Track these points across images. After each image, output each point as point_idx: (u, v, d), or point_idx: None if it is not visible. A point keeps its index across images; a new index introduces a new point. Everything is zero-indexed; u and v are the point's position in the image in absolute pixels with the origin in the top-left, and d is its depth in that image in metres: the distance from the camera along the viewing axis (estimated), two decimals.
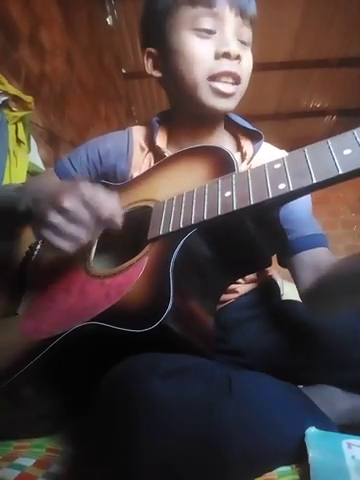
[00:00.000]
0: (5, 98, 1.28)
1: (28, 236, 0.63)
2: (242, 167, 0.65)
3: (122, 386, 0.36)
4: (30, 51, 1.63)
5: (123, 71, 3.31)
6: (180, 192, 0.49)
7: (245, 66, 0.62)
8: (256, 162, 0.65)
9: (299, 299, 0.63)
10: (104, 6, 2.68)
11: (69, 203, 0.44)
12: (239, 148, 0.69)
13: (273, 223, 0.49)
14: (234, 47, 0.59)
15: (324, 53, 3.04)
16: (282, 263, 0.65)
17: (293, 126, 4.00)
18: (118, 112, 3.24)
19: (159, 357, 0.38)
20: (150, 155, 0.70)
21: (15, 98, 1.32)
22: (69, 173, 0.69)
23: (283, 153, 0.67)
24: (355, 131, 0.38)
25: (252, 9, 0.62)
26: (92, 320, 0.41)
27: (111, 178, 0.68)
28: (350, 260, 0.52)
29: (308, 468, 0.31)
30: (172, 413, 0.33)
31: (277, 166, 0.42)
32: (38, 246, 0.60)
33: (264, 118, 3.67)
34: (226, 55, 0.59)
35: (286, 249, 0.62)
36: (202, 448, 0.32)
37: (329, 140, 0.39)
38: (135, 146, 0.70)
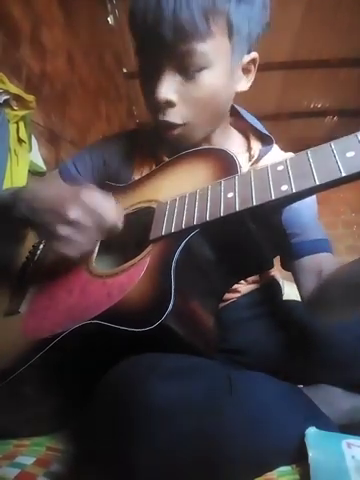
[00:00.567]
0: (6, 97, 1.28)
1: (31, 236, 0.64)
2: (247, 169, 0.64)
3: (122, 386, 0.36)
4: (31, 50, 1.63)
5: (124, 71, 3.30)
6: (183, 193, 0.49)
7: (188, 102, 0.56)
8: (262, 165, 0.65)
9: (299, 299, 0.63)
10: (105, 6, 2.68)
11: (75, 214, 0.46)
12: (248, 149, 0.68)
13: (275, 225, 0.49)
14: (162, 94, 0.55)
15: (325, 53, 3.03)
16: (285, 267, 0.65)
17: (293, 126, 3.99)
18: (119, 112, 3.23)
19: (159, 357, 0.39)
20: (153, 157, 0.70)
21: (16, 97, 1.32)
22: (74, 177, 0.70)
23: (290, 155, 0.66)
24: (358, 134, 0.38)
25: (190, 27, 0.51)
26: (93, 319, 0.42)
27: (114, 180, 0.68)
28: (350, 267, 0.51)
29: (308, 468, 0.31)
30: (172, 413, 0.33)
31: (280, 168, 0.42)
32: (41, 246, 0.61)
33: (264, 118, 3.64)
34: (157, 102, 0.56)
35: (288, 252, 0.61)
36: (202, 448, 0.33)
37: (332, 143, 0.39)
38: (139, 148, 0.70)
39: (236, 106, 0.70)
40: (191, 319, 0.44)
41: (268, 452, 0.35)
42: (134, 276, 0.44)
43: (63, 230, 0.46)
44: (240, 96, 0.64)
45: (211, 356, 0.43)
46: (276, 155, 0.68)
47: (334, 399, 0.58)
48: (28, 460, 0.43)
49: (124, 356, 0.39)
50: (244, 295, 0.71)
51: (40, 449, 0.47)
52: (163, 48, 0.53)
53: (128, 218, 0.57)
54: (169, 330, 0.38)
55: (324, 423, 0.39)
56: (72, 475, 0.43)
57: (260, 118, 0.70)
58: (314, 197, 0.65)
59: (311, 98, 3.66)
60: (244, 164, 0.51)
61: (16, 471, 0.40)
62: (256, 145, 0.67)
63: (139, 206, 0.56)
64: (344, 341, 0.58)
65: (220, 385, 0.37)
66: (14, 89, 1.30)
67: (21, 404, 0.48)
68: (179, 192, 0.50)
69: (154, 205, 0.53)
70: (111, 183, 0.65)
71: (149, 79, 0.57)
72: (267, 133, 0.67)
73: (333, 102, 3.71)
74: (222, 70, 0.56)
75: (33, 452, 0.46)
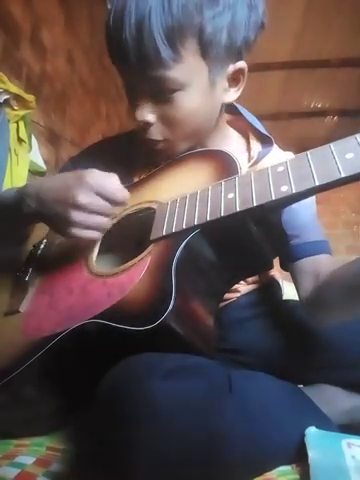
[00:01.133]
0: (6, 97, 1.28)
1: (33, 236, 0.64)
2: (246, 169, 0.64)
3: (122, 386, 0.36)
4: (31, 50, 1.63)
5: None
6: (183, 194, 0.50)
7: (167, 120, 0.56)
8: (262, 166, 0.64)
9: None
10: (105, 5, 2.68)
11: (84, 198, 0.46)
12: (248, 149, 0.68)
13: (275, 226, 0.50)
14: (139, 117, 0.55)
15: (325, 53, 3.03)
16: (284, 268, 0.65)
17: (294, 126, 3.99)
18: (119, 111, 3.23)
19: (159, 357, 0.39)
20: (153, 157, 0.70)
21: (16, 97, 1.32)
22: None
23: (290, 155, 0.66)
24: (357, 136, 0.38)
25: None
26: (93, 318, 0.42)
27: None
28: (348, 268, 0.51)
29: (308, 468, 0.31)
30: (172, 413, 0.33)
31: (280, 169, 0.43)
32: (42, 245, 0.61)
33: (265, 118, 3.65)
34: (137, 122, 0.56)
35: (288, 253, 0.61)
36: (202, 448, 0.33)
37: (332, 144, 0.40)
38: (138, 149, 0.70)
39: (237, 105, 0.69)
40: (191, 318, 0.44)
41: (268, 452, 0.35)
42: (135, 276, 0.44)
43: (77, 216, 0.47)
44: (240, 96, 0.63)
45: (211, 356, 0.43)
46: (276, 156, 0.67)
47: (334, 399, 0.58)
48: (28, 460, 0.43)
49: (124, 356, 0.39)
50: (244, 295, 0.71)
51: (40, 449, 0.47)
52: (133, 73, 0.53)
53: (129, 218, 0.57)
54: (169, 329, 0.38)
55: (324, 423, 0.39)
56: (72, 475, 0.43)
57: (260, 118, 0.70)
58: (313, 198, 0.64)
59: (311, 98, 3.66)
60: (243, 165, 0.50)
61: (16, 471, 0.40)
62: (256, 146, 0.67)
63: (140, 207, 0.57)
64: (344, 341, 0.58)
65: (220, 385, 0.37)
66: (14, 89, 1.30)
67: (21, 403, 0.48)
68: (180, 193, 0.51)
69: (155, 206, 0.54)
70: None
71: (130, 99, 0.58)
72: (267, 134, 0.67)
73: (333, 102, 3.71)
74: (198, 90, 0.54)
75: (33, 452, 0.46)
